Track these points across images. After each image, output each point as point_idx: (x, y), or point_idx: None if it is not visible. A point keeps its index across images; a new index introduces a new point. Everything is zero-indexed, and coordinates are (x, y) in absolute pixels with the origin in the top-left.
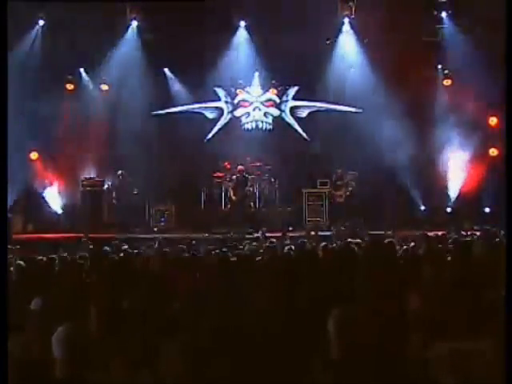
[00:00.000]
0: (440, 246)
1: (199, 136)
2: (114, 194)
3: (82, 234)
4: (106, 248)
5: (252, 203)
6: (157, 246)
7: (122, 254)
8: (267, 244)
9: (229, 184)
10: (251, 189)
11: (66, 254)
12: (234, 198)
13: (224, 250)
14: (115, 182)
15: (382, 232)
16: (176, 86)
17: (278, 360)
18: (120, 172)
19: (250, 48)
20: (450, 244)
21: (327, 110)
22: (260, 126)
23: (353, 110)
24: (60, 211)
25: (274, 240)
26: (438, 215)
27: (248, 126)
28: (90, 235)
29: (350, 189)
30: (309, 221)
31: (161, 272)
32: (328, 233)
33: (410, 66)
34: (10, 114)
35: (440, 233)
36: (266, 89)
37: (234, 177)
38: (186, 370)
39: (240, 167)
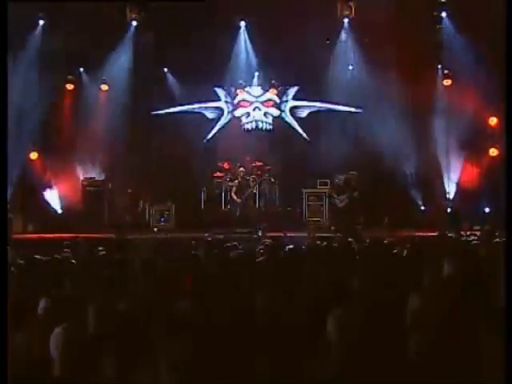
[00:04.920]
0: (439, 246)
1: (199, 136)
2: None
3: (81, 235)
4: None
5: (253, 204)
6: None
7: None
8: (266, 243)
9: (229, 184)
10: (254, 191)
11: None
12: (238, 200)
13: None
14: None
15: (382, 232)
16: (176, 86)
17: (278, 359)
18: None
19: (249, 48)
20: (450, 244)
21: (327, 110)
22: (260, 125)
23: (353, 109)
24: (60, 211)
25: (274, 240)
26: (438, 215)
27: (248, 126)
28: (90, 235)
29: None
30: (309, 221)
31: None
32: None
33: (409, 65)
34: (10, 114)
35: (439, 233)
36: (265, 89)
37: (237, 181)
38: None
39: (242, 169)
